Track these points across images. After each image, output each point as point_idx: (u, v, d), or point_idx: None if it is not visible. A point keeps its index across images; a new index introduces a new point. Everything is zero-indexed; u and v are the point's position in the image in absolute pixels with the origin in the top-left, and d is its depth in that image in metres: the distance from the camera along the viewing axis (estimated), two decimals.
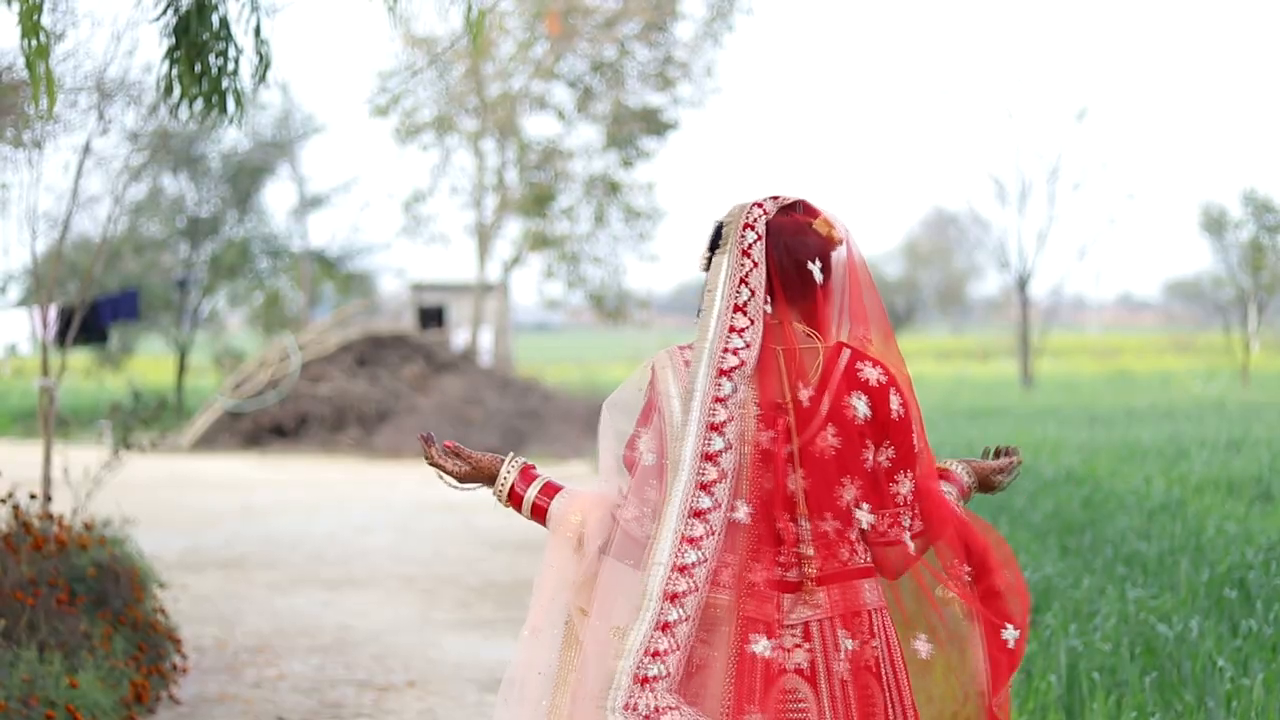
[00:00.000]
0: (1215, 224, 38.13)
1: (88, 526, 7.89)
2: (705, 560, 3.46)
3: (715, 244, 3.68)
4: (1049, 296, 45.38)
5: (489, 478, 3.67)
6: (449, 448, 3.66)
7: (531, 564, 11.98)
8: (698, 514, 3.47)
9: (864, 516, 3.57)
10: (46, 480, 8.97)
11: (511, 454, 3.71)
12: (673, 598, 3.46)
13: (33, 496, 7.86)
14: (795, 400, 3.56)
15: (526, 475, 3.67)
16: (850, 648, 3.60)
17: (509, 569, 11.82)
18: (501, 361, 31.15)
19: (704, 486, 3.48)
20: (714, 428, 3.51)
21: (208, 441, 24.72)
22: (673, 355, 3.62)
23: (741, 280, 3.62)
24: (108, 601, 7.41)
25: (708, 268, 3.68)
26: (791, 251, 3.65)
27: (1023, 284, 39.59)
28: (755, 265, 3.62)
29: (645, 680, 3.44)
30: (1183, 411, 24.25)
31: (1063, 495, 12.42)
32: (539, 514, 3.66)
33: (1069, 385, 38.59)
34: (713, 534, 3.47)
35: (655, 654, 3.43)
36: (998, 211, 49.27)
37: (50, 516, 7.74)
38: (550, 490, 3.66)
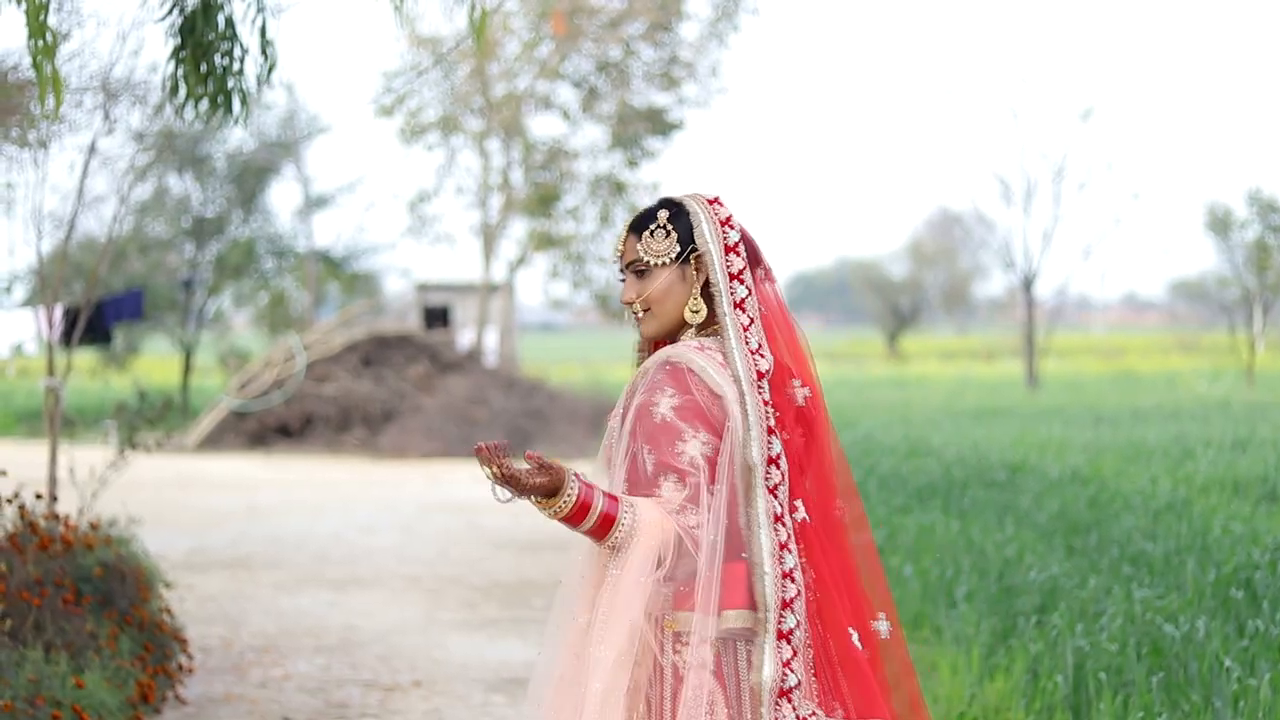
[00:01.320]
0: (1220, 224, 38.08)
1: (94, 526, 7.89)
2: (799, 563, 3.49)
3: (687, 237, 3.58)
4: (1054, 296, 45.30)
5: (550, 491, 3.41)
6: (534, 459, 3.40)
7: (535, 564, 11.98)
8: (777, 518, 3.47)
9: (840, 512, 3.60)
10: (52, 480, 8.98)
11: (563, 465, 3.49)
12: (786, 605, 3.46)
13: (38, 496, 7.86)
14: (792, 400, 3.57)
15: (585, 485, 3.44)
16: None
17: (514, 569, 11.82)
18: (507, 361, 31.15)
19: (772, 491, 3.47)
20: (770, 430, 3.50)
21: (213, 441, 24.73)
22: (701, 355, 3.51)
23: (733, 277, 3.59)
24: (114, 601, 7.42)
25: (668, 262, 3.57)
26: (754, 252, 3.65)
27: (1028, 284, 39.56)
28: (746, 264, 3.60)
29: (785, 693, 3.46)
30: (1188, 411, 24.24)
31: (1068, 495, 12.42)
32: (606, 524, 3.41)
33: (1074, 385, 38.57)
34: (791, 536, 3.48)
35: (786, 664, 3.45)
36: (1003, 211, 49.32)
37: (56, 516, 7.74)
38: (613, 501, 3.43)
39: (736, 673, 3.45)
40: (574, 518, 3.39)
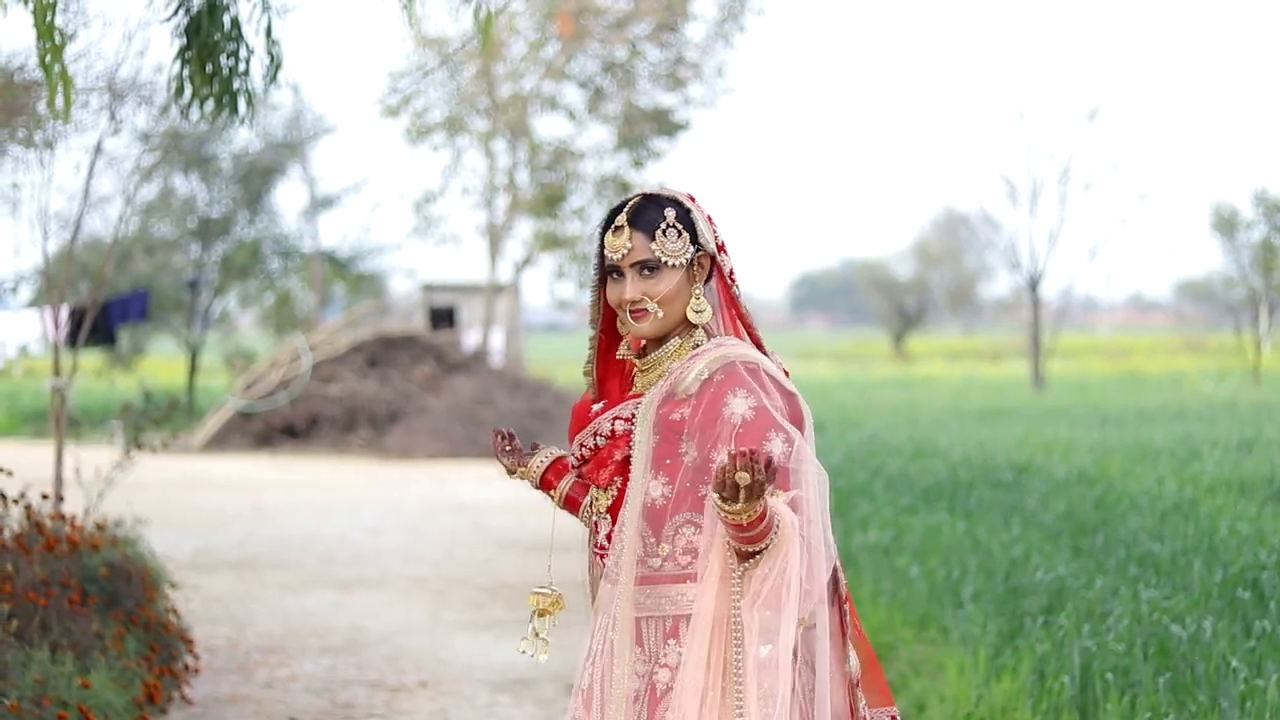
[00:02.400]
0: (1226, 224, 38.05)
1: (100, 527, 7.90)
2: None
3: (694, 233, 3.51)
4: (1060, 297, 45.24)
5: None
6: (770, 464, 3.17)
7: (541, 565, 11.96)
8: None
9: None
10: (58, 480, 8.98)
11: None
12: (846, 599, 3.54)
13: (45, 497, 7.87)
14: None
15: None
16: None
17: (520, 570, 11.81)
18: (513, 362, 31.14)
19: None
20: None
21: (219, 442, 24.74)
22: (760, 355, 3.48)
23: (729, 275, 3.59)
24: (120, 602, 7.42)
25: (683, 262, 3.48)
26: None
27: (1034, 284, 39.53)
28: (731, 263, 3.60)
29: (857, 683, 3.54)
30: (1194, 412, 24.21)
31: (1075, 496, 12.41)
32: (770, 527, 3.20)
33: (1080, 386, 38.55)
34: None
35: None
36: (1009, 212, 49.25)
37: (62, 517, 7.74)
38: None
39: (833, 664, 3.47)
40: (753, 523, 3.19)
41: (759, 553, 3.24)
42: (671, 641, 3.42)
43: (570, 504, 3.79)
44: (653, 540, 3.45)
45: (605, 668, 3.51)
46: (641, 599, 3.46)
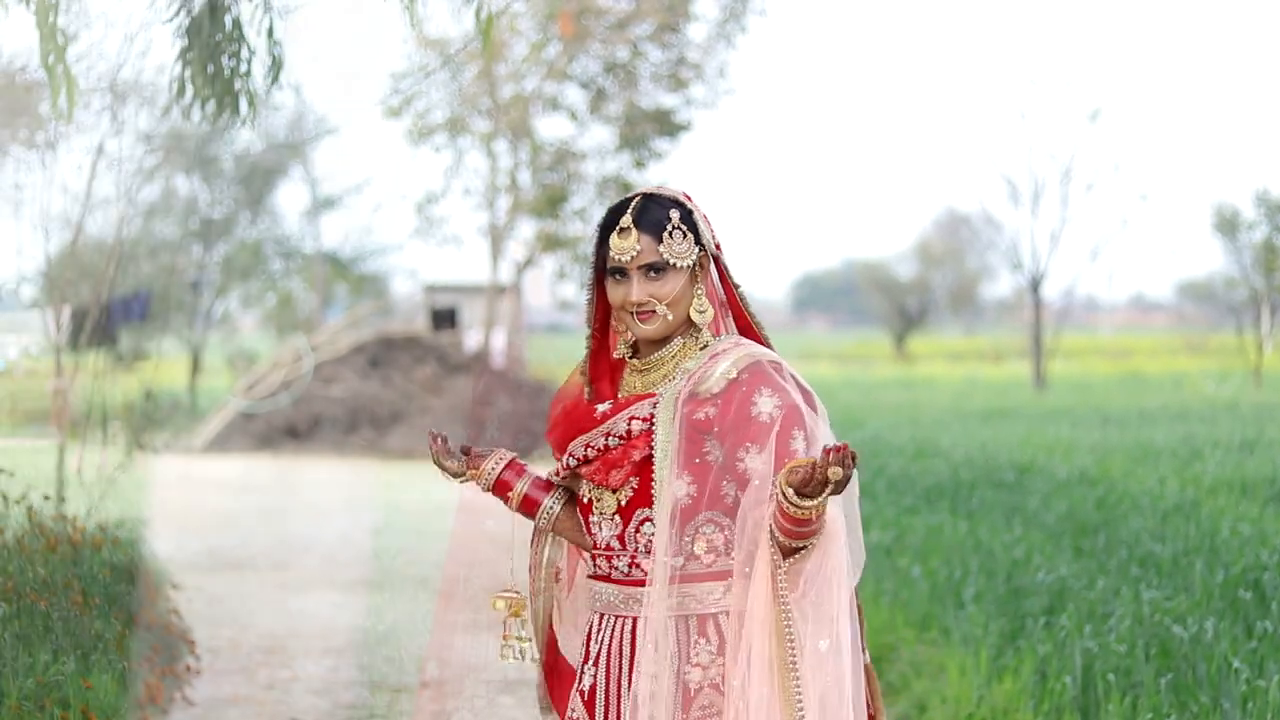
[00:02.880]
0: (1228, 225, 38.02)
1: (101, 528, 7.91)
2: None
3: (697, 234, 3.49)
4: (1061, 298, 45.22)
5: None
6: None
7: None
8: None
9: None
10: (60, 481, 8.99)
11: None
12: None
13: (46, 498, 7.88)
14: None
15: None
16: None
17: (521, 570, 11.79)
18: (514, 363, 31.14)
19: None
20: None
21: (220, 443, 24.73)
22: (775, 354, 3.50)
23: (727, 274, 3.59)
24: (121, 603, 7.42)
25: (689, 264, 3.46)
26: None
27: (1035, 285, 39.53)
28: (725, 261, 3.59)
29: (868, 671, 3.55)
30: (1196, 413, 24.20)
31: (1076, 496, 12.40)
32: (816, 525, 3.26)
33: (1081, 386, 38.53)
34: None
35: None
36: (1010, 212, 49.12)
37: (64, 518, 7.75)
38: None
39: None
40: (817, 517, 3.21)
41: (802, 548, 3.26)
42: (701, 640, 3.40)
43: (528, 505, 3.75)
44: (676, 540, 3.43)
45: (617, 669, 3.50)
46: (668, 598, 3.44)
